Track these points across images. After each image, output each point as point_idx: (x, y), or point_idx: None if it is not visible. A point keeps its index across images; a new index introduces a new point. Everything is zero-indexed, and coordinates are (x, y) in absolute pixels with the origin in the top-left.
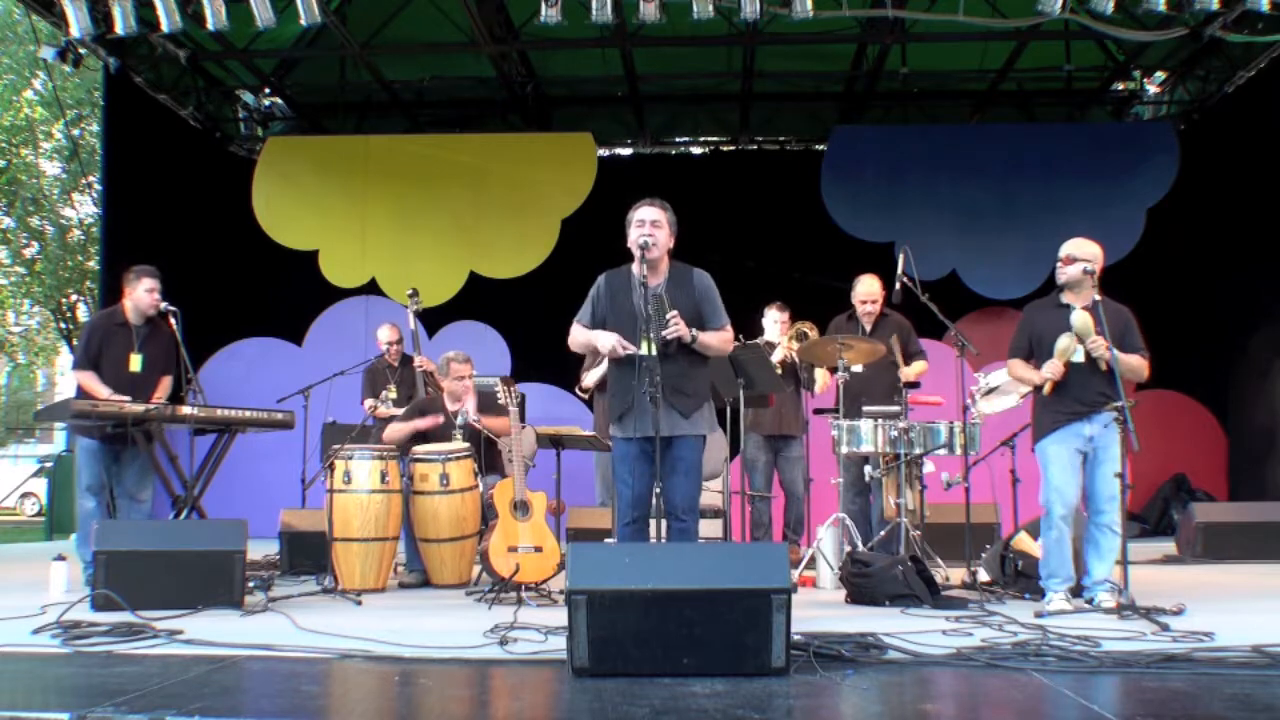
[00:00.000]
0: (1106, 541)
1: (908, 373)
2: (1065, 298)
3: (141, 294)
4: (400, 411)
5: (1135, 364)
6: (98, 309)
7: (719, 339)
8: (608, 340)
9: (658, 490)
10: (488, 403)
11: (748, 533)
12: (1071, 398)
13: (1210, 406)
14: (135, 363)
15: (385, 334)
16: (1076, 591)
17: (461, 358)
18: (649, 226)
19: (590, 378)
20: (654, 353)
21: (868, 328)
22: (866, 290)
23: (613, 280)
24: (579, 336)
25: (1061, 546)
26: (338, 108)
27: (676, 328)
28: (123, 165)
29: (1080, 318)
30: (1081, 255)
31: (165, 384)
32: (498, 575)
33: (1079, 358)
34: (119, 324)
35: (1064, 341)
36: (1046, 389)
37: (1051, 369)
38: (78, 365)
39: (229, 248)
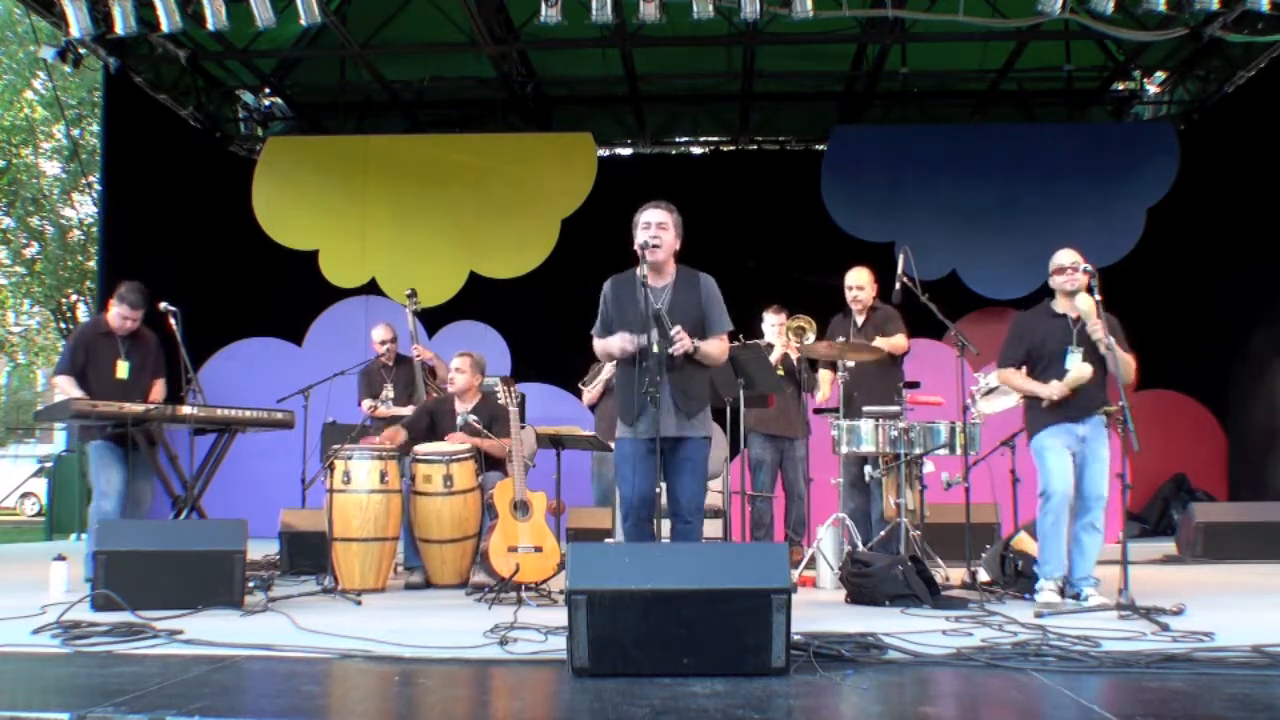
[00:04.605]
0: (1090, 539)
1: (881, 342)
2: (1059, 306)
3: (113, 315)
4: (401, 410)
5: (1125, 358)
6: (97, 309)
7: (718, 348)
8: (618, 342)
9: (658, 490)
10: (489, 406)
11: (748, 533)
12: (1067, 403)
13: (1210, 406)
14: (122, 370)
15: (379, 334)
16: (1062, 588)
17: (460, 354)
18: (655, 229)
19: (590, 393)
20: (657, 351)
21: (859, 319)
22: (853, 279)
23: (618, 285)
24: (599, 348)
25: (1058, 533)
26: (338, 108)
27: (681, 342)
28: (123, 165)
29: (1085, 300)
30: (1082, 263)
31: (158, 387)
32: (497, 575)
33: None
34: (104, 333)
35: (1079, 372)
36: (1045, 404)
37: (1059, 392)
38: (58, 371)
39: (229, 248)
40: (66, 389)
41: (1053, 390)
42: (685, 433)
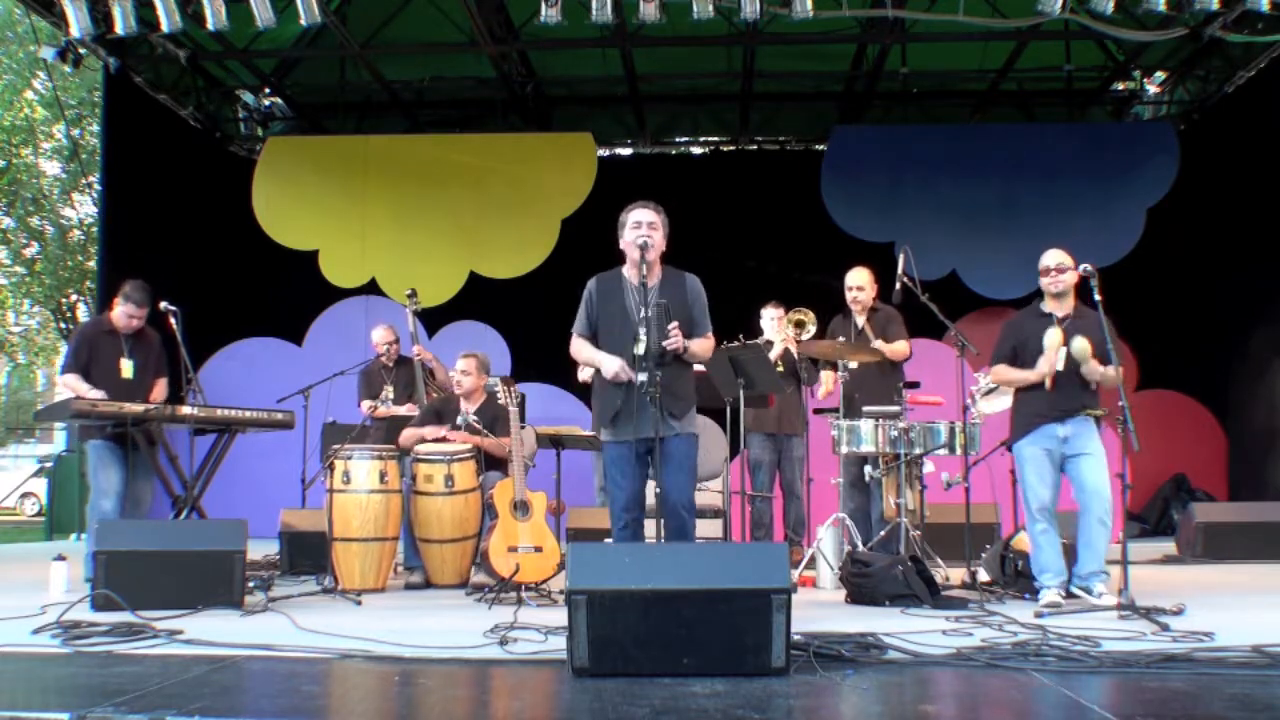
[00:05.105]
0: (1096, 533)
1: (883, 346)
2: (1047, 306)
3: (119, 313)
4: (401, 410)
5: (1113, 376)
6: (97, 309)
7: (704, 347)
8: (611, 366)
9: (656, 491)
10: (493, 407)
11: (748, 533)
12: (1049, 403)
13: (1210, 406)
14: (127, 369)
15: (380, 335)
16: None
17: (465, 354)
18: (646, 228)
19: (586, 372)
20: (649, 350)
21: (859, 320)
22: (853, 279)
23: (604, 283)
24: (582, 352)
25: (1049, 541)
26: (338, 108)
27: (677, 339)
28: (123, 165)
29: (1079, 346)
30: (1069, 264)
31: (161, 386)
32: (497, 575)
33: (1060, 365)
34: (107, 331)
35: (1053, 337)
36: (1048, 384)
37: (1047, 363)
38: (63, 370)
39: (229, 248)
40: (75, 386)
41: (1043, 366)
42: (670, 431)
